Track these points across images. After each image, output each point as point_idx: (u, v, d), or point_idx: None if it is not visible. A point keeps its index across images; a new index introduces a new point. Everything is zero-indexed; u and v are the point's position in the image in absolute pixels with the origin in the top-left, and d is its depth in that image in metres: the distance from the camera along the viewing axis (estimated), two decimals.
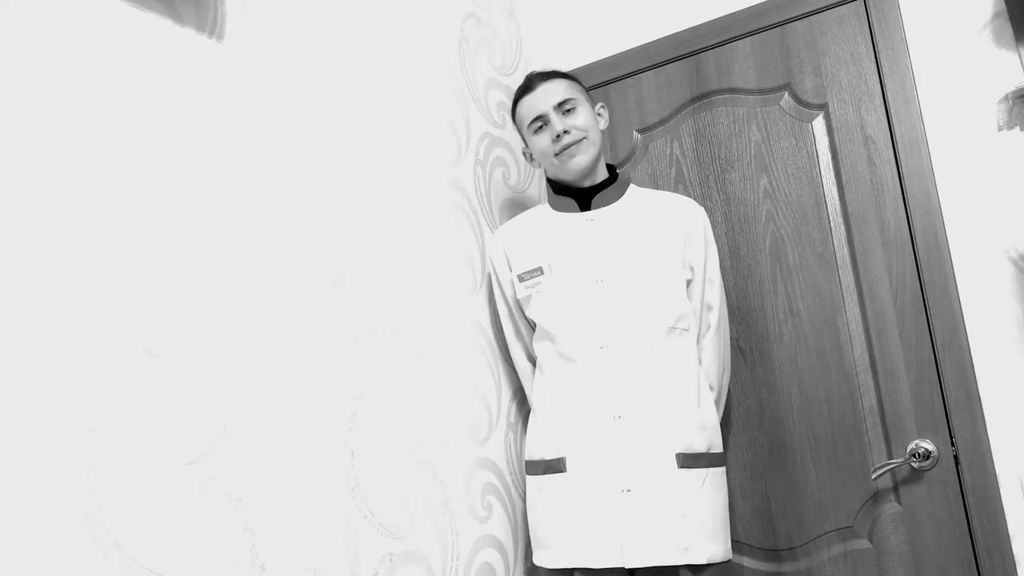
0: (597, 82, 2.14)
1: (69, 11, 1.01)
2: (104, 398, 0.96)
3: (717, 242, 1.95)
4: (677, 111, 2.05)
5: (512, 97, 1.77)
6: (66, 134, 0.98)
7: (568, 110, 1.64)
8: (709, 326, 1.67)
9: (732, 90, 1.99)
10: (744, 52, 1.98)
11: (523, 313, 1.74)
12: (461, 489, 1.58)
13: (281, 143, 1.32)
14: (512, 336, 1.76)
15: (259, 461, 1.15)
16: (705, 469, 1.54)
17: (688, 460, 1.52)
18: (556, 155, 1.63)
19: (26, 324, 0.89)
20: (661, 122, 2.07)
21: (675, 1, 2.08)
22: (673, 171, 2.04)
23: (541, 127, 1.65)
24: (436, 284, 1.63)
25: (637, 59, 2.10)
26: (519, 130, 1.75)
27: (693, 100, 2.03)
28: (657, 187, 2.05)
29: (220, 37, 1.24)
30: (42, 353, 0.90)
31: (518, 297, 1.70)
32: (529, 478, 1.66)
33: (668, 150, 2.05)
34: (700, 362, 1.65)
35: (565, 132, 1.61)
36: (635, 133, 2.10)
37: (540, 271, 1.66)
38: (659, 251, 1.62)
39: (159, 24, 1.13)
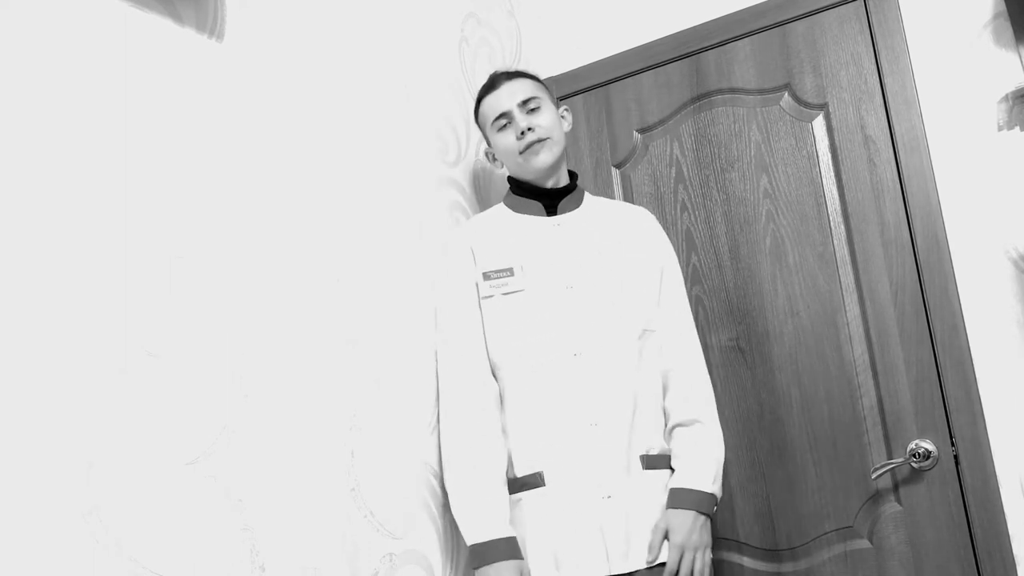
0: (597, 82, 2.14)
1: (69, 11, 1.01)
2: (104, 398, 0.96)
3: (717, 242, 1.96)
4: (677, 111, 2.05)
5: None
6: (66, 134, 0.98)
7: (532, 109, 1.61)
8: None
9: (732, 90, 1.99)
10: (744, 52, 1.98)
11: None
12: None
13: (281, 143, 1.32)
14: (468, 330, 1.57)
15: (259, 461, 1.15)
16: (666, 470, 1.53)
17: (651, 461, 1.52)
18: (520, 152, 1.59)
19: (27, 325, 0.89)
20: (661, 122, 2.07)
21: (675, 1, 2.08)
22: (673, 171, 2.04)
23: (505, 125, 1.62)
24: (436, 284, 1.63)
25: (637, 59, 2.10)
26: (482, 130, 1.70)
27: (693, 100, 2.03)
28: (657, 187, 2.05)
29: (220, 37, 1.24)
30: (42, 354, 0.90)
31: (481, 296, 1.58)
32: None
33: (668, 150, 2.05)
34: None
35: (529, 129, 1.58)
36: (635, 133, 2.10)
37: (510, 272, 1.58)
38: (627, 256, 1.61)
39: (159, 24, 1.13)
